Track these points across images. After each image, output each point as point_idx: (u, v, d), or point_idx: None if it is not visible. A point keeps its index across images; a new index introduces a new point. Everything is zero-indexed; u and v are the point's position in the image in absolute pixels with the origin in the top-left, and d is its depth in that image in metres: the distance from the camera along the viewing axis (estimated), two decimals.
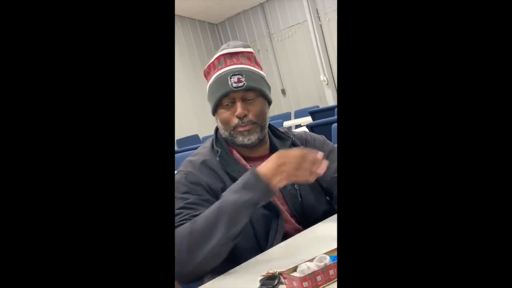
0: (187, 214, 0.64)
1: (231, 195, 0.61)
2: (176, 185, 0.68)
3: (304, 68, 4.72)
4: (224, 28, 4.78)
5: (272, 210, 0.71)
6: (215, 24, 4.65)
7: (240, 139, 0.72)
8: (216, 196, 0.67)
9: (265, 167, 0.61)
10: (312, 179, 0.61)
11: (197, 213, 0.64)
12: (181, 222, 0.63)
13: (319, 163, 0.59)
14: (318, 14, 4.36)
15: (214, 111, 0.76)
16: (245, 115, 0.71)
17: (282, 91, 5.03)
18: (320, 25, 4.42)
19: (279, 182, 0.60)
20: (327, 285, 0.45)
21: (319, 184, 0.78)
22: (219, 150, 0.73)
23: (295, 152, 0.62)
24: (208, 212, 0.61)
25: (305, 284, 0.44)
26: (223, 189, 0.67)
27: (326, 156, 0.69)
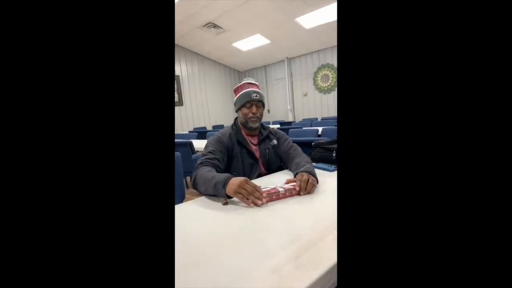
0: (208, 158, 1.18)
1: (214, 179, 0.98)
2: (211, 140, 1.30)
3: (280, 100, 8.57)
4: (245, 74, 9.30)
5: (254, 159, 1.35)
6: (241, 71, 9.21)
7: (250, 124, 1.35)
8: (227, 149, 1.30)
9: (232, 184, 0.92)
10: (256, 204, 0.89)
11: (215, 157, 1.21)
12: (204, 162, 1.16)
13: (261, 198, 0.89)
14: (291, 74, 8.07)
15: (238, 109, 1.38)
16: (256, 113, 1.34)
17: (268, 111, 8.87)
18: (291, 81, 8.12)
19: (234, 196, 0.92)
20: (276, 200, 0.93)
21: (277, 153, 1.44)
22: (235, 129, 1.39)
23: (250, 185, 0.91)
24: (209, 174, 1.03)
25: (267, 195, 0.91)
26: (231, 147, 1.31)
27: (283, 142, 1.43)
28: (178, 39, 6.58)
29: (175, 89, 7.03)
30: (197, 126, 7.41)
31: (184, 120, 7.23)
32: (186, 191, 1.53)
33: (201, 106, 7.75)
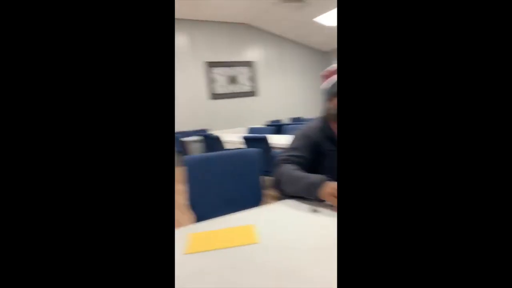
0: (293, 155, 1.10)
1: (307, 179, 0.96)
2: (296, 135, 1.20)
3: None
4: (330, 54, 7.75)
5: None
6: (325, 51, 7.74)
7: None
8: (314, 145, 1.15)
9: (327, 187, 0.89)
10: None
11: (301, 154, 1.10)
12: (289, 159, 1.10)
13: None
14: None
15: (330, 99, 1.21)
16: None
17: None
18: None
19: (328, 199, 0.89)
20: None
21: None
22: (325, 122, 1.22)
23: None
24: (298, 173, 1.01)
25: None
26: (320, 143, 1.17)
27: None
28: (252, 19, 6.02)
29: (249, 77, 6.42)
30: (273, 118, 6.59)
31: (258, 112, 6.51)
32: (264, 193, 1.28)
33: (278, 96, 6.87)
